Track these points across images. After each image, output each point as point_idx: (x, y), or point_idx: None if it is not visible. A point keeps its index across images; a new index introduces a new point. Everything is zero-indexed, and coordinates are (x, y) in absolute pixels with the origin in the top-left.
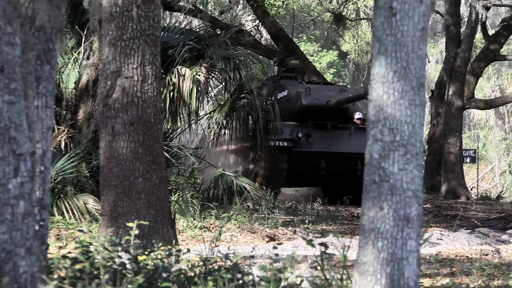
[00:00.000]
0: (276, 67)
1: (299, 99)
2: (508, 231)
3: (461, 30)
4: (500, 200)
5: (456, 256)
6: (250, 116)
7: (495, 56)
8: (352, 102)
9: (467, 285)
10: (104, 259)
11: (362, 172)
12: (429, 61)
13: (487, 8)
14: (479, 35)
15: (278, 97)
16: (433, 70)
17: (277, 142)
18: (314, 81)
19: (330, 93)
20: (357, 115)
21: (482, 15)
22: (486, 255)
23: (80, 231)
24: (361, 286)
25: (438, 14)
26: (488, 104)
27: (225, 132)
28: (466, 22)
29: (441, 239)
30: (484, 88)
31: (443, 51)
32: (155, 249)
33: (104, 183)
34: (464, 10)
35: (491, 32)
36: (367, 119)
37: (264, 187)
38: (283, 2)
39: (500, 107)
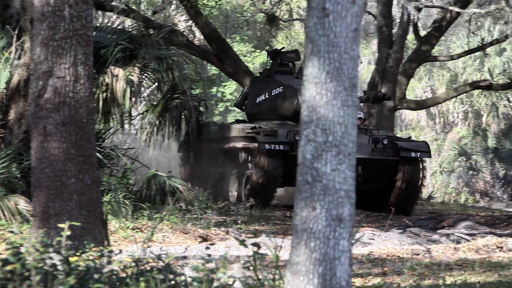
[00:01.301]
0: (270, 60)
1: (296, 97)
2: (438, 231)
3: (393, 31)
4: (431, 200)
5: (388, 255)
6: (183, 117)
7: (426, 57)
8: (361, 103)
9: (398, 285)
10: (35, 260)
11: (362, 178)
12: (361, 62)
13: (418, 9)
14: (411, 36)
15: (273, 94)
16: (366, 71)
17: (272, 146)
18: None
19: None
20: (358, 115)
21: (413, 16)
22: (417, 254)
23: (11, 232)
24: (293, 286)
25: (370, 15)
26: (419, 105)
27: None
28: (398, 23)
29: (373, 239)
30: (416, 89)
31: (375, 52)
32: (87, 250)
33: (35, 183)
34: (396, 11)
35: (422, 33)
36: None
37: (254, 194)
38: (216, 2)
39: (431, 108)
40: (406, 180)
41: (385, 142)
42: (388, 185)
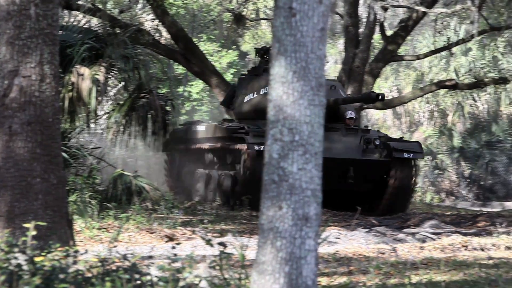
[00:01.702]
0: (259, 58)
1: None
2: (404, 230)
3: (360, 30)
4: None
5: (354, 255)
6: (149, 116)
7: (392, 56)
8: (353, 102)
9: (364, 284)
10: (0, 260)
11: (354, 180)
12: (328, 62)
13: (385, 9)
14: (377, 36)
15: (262, 93)
16: (332, 70)
17: (262, 146)
18: None
19: None
20: (349, 115)
21: (380, 16)
22: (383, 253)
23: None
24: (259, 286)
25: (337, 15)
26: (385, 104)
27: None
28: (364, 23)
29: (339, 238)
30: (382, 88)
31: (342, 52)
32: (52, 250)
33: (0, 183)
34: (362, 11)
35: (389, 32)
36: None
37: (242, 197)
38: (182, 1)
39: (397, 107)
40: (399, 181)
41: (377, 143)
42: (380, 186)
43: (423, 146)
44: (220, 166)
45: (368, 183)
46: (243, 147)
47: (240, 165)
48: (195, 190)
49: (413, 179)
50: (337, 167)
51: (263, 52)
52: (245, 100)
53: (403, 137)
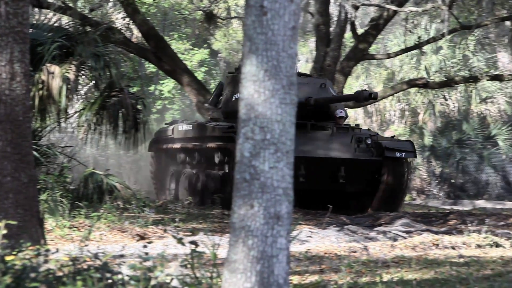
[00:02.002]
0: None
1: None
2: (375, 229)
3: (331, 29)
4: None
5: (325, 253)
6: (121, 115)
7: (364, 55)
8: (341, 101)
9: (336, 282)
10: None
11: (345, 180)
12: (299, 60)
13: (356, 8)
14: (348, 35)
15: None
16: (303, 69)
17: None
18: None
19: (309, 87)
20: (339, 113)
21: (351, 14)
22: (355, 252)
23: None
24: (231, 284)
25: (308, 13)
26: (357, 103)
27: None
28: (335, 22)
29: (311, 237)
30: (353, 87)
31: (313, 50)
32: (23, 249)
33: None
34: (333, 10)
35: (360, 31)
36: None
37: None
38: (153, 0)
39: (368, 106)
40: (391, 181)
41: (369, 142)
42: (371, 186)
43: None
44: (207, 166)
45: (360, 183)
46: (234, 147)
47: (230, 165)
48: (180, 191)
49: (406, 179)
50: (327, 167)
51: None
52: (232, 99)
53: (394, 136)
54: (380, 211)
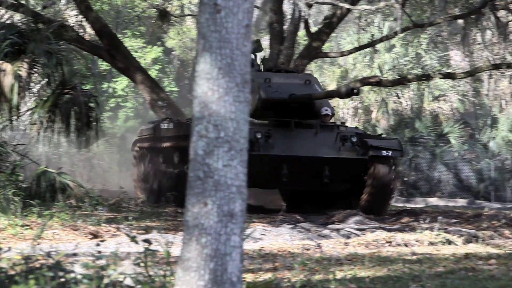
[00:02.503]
0: None
1: (257, 92)
2: (329, 226)
3: (284, 27)
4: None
5: (279, 251)
6: (73, 112)
7: (317, 53)
8: (323, 98)
9: (289, 280)
10: None
11: (330, 179)
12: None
13: (309, 6)
14: (302, 33)
15: None
16: None
17: None
18: (273, 69)
19: (294, 84)
20: (324, 111)
21: (304, 12)
22: (308, 249)
23: None
24: (184, 282)
25: (262, 11)
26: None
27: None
28: (289, 20)
29: (264, 235)
30: None
31: (266, 48)
32: None
33: None
34: (287, 8)
35: (313, 29)
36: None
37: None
38: None
39: None
40: (377, 180)
41: (354, 140)
42: (358, 185)
43: None
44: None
45: (345, 182)
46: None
47: (185, 163)
48: (164, 191)
49: (393, 178)
50: (311, 166)
51: None
52: None
53: (382, 134)
54: (368, 211)
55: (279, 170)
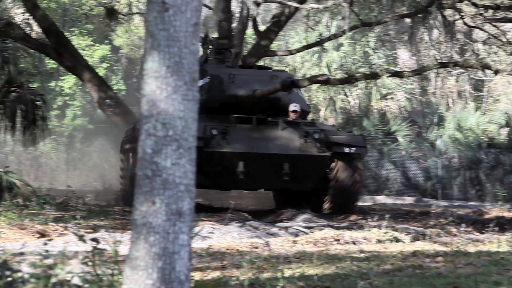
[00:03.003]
0: (203, 47)
1: (220, 88)
2: (277, 224)
3: (233, 25)
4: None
5: (227, 249)
6: (20, 111)
7: (265, 51)
8: (270, 93)
9: (238, 278)
10: None
11: (290, 177)
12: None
13: (257, 4)
14: (250, 31)
15: (200, 85)
16: None
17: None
18: (247, 65)
19: (260, 80)
20: (292, 107)
21: (253, 11)
22: (256, 248)
23: None
24: (132, 281)
25: (210, 10)
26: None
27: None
28: (237, 18)
29: (213, 233)
30: None
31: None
32: None
33: None
34: (235, 6)
35: (262, 28)
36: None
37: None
38: None
39: None
40: (341, 179)
41: (316, 136)
42: (323, 184)
43: None
44: None
45: (308, 180)
46: None
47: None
48: None
49: (357, 176)
50: (269, 164)
51: (203, 40)
52: None
53: (351, 130)
54: (333, 211)
55: (235, 168)
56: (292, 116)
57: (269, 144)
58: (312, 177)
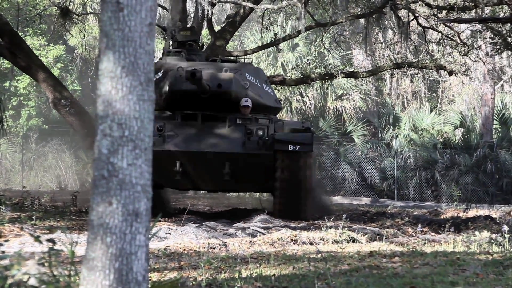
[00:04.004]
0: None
1: (167, 83)
2: (234, 225)
3: (188, 25)
4: (227, 194)
5: (184, 250)
6: None
7: (221, 52)
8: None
9: (195, 279)
10: None
11: (231, 177)
12: (156, 57)
13: (212, 5)
14: (205, 31)
15: (155, 79)
16: None
17: None
18: (211, 58)
19: (214, 73)
20: (243, 102)
21: (207, 11)
22: (214, 248)
23: None
24: (89, 282)
25: (164, 10)
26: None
27: None
28: (192, 18)
29: (170, 234)
30: None
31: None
32: None
33: None
34: (190, 6)
35: (217, 28)
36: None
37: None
38: None
39: None
40: (286, 178)
41: (260, 133)
42: (269, 184)
43: None
44: None
45: (253, 181)
46: None
47: None
48: None
49: (304, 175)
50: (209, 163)
51: (164, 33)
52: None
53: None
54: (283, 215)
55: (172, 167)
56: (243, 111)
57: (208, 142)
58: (256, 177)
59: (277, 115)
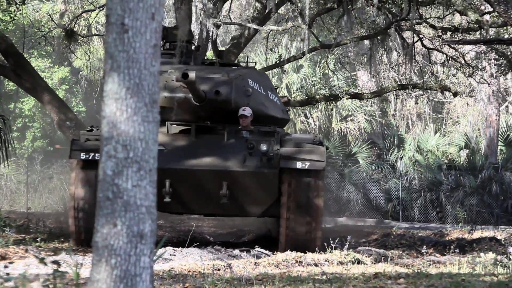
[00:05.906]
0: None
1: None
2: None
3: (193, 47)
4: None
5: (189, 271)
6: None
7: None
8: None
9: None
10: None
11: (229, 199)
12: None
13: (217, 26)
14: (210, 53)
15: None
16: None
17: (87, 155)
18: (207, 61)
19: (215, 79)
20: (240, 111)
21: (212, 32)
22: (218, 270)
23: None
24: None
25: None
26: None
27: None
28: (197, 40)
29: (174, 255)
30: None
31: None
32: None
33: None
34: (195, 28)
35: (221, 49)
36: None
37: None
38: (11, 17)
39: None
40: (293, 205)
41: (264, 149)
42: (276, 208)
43: None
44: None
45: (254, 204)
46: None
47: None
48: None
49: (315, 196)
50: (203, 183)
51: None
52: None
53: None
54: (290, 244)
55: (162, 187)
56: (241, 122)
57: (203, 159)
58: (258, 200)
59: (285, 128)
